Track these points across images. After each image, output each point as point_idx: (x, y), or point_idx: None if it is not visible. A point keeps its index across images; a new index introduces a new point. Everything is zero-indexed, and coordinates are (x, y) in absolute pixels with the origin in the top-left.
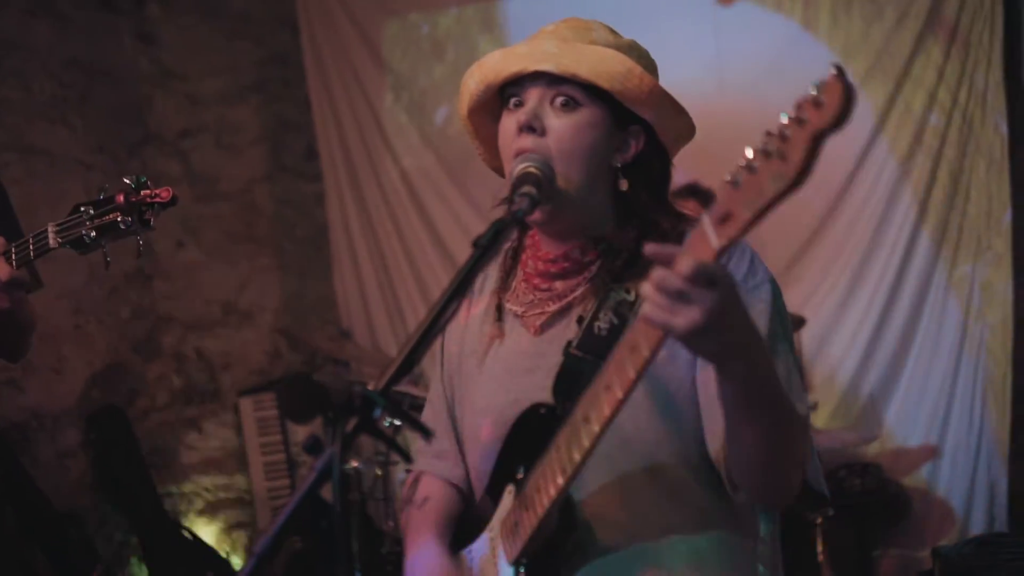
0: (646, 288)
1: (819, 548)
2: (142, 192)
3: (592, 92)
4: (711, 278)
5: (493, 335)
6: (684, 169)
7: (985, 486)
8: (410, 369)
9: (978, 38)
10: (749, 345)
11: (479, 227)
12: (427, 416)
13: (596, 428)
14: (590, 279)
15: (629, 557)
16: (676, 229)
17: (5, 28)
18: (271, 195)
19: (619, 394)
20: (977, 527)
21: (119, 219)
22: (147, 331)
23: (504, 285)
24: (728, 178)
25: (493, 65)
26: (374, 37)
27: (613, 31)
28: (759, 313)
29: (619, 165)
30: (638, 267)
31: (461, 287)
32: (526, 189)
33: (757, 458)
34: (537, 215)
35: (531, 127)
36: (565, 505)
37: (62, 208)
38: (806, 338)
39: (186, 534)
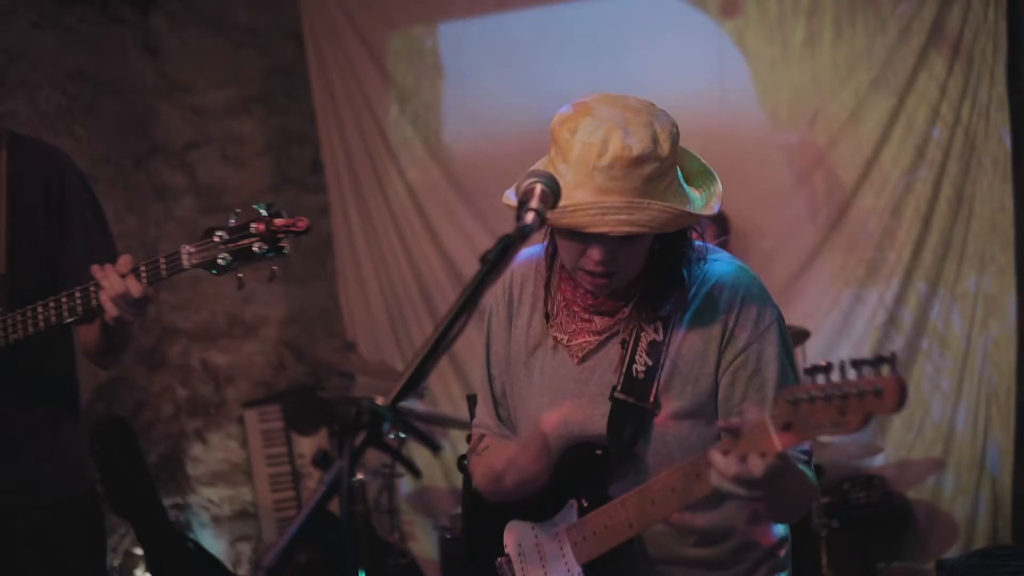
0: (719, 477)
1: (823, 561)
2: (278, 222)
3: None
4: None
5: (540, 341)
6: None
7: (989, 499)
8: (418, 384)
9: (981, 52)
10: (787, 494)
11: (484, 239)
12: (480, 408)
13: (659, 516)
14: (625, 319)
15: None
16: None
17: (11, 40)
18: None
19: (679, 505)
20: (981, 540)
21: (255, 245)
22: (152, 343)
23: (548, 297)
24: (791, 398)
25: (570, 221)
26: (378, 50)
27: (656, 141)
28: (771, 357)
29: (657, 247)
30: (671, 304)
31: (469, 303)
32: (534, 206)
33: (780, 519)
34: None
35: (610, 272)
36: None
37: None
38: (810, 351)
39: (191, 546)
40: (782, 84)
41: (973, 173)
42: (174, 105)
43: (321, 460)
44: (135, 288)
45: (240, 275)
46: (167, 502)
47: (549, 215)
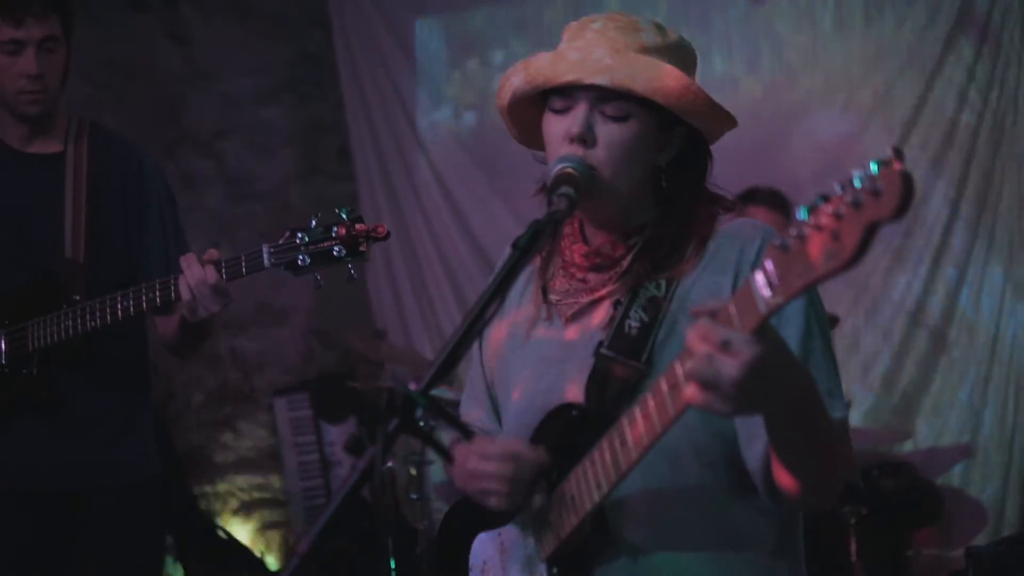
0: (690, 336)
1: (852, 548)
2: (358, 228)
3: (642, 101)
4: (758, 333)
5: (535, 317)
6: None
7: (1018, 485)
8: (450, 371)
9: (1009, 37)
10: (798, 401)
11: (513, 225)
12: (466, 401)
13: (634, 455)
14: (621, 274)
15: (657, 562)
16: (711, 215)
17: None
18: (304, 195)
19: (658, 429)
20: (1010, 526)
21: (334, 247)
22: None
23: (545, 268)
24: (777, 242)
25: (541, 68)
26: (406, 37)
27: (661, 28)
28: (795, 311)
29: (662, 165)
30: (676, 258)
31: (500, 288)
32: (565, 190)
33: (801, 478)
34: (577, 213)
35: (583, 139)
36: (598, 510)
37: None
38: (839, 337)
39: (221, 533)
40: (812, 70)
41: (1002, 158)
42: (202, 93)
43: (354, 446)
44: (211, 276)
45: (319, 276)
46: (196, 490)
47: (529, 87)
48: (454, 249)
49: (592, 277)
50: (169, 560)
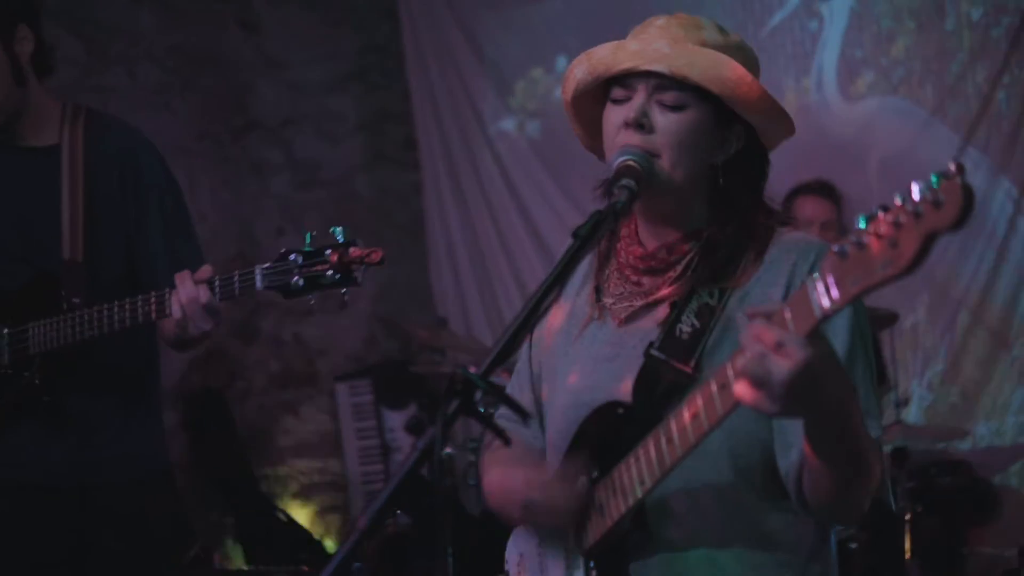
0: (745, 335)
1: (907, 545)
2: (353, 252)
3: (700, 93)
4: (811, 337)
5: (591, 316)
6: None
7: None
8: (508, 356)
9: None
10: (841, 409)
11: (575, 217)
12: (511, 388)
13: (679, 452)
14: (676, 279)
15: (692, 560)
16: (769, 227)
17: (110, 16)
18: (370, 183)
19: (705, 427)
20: None
21: (327, 271)
22: (246, 316)
23: (601, 269)
24: (836, 248)
25: (603, 58)
26: (474, 29)
27: (723, 30)
28: (839, 328)
29: (719, 163)
30: (732, 267)
31: (560, 277)
32: (625, 182)
33: (832, 489)
34: (636, 206)
35: (640, 124)
36: (639, 506)
37: None
38: (898, 334)
39: (280, 516)
40: (874, 68)
41: None
42: (271, 81)
43: (414, 427)
44: (204, 295)
45: (312, 300)
46: (257, 472)
47: (591, 77)
48: (516, 240)
49: (647, 280)
50: (229, 541)
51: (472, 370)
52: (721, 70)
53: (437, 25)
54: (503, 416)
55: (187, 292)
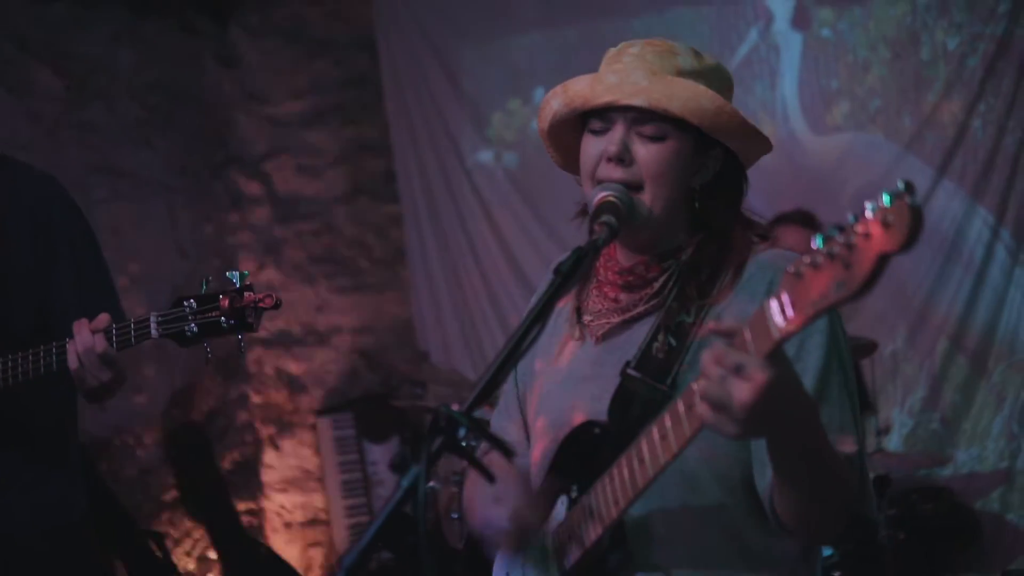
0: (705, 358)
1: (890, 572)
2: (246, 297)
3: (679, 123)
4: (770, 358)
5: (569, 337)
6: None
7: None
8: (492, 392)
9: None
10: (803, 428)
11: (553, 247)
12: (496, 422)
13: (650, 473)
14: (652, 296)
15: None
16: (748, 240)
17: (91, 52)
18: (350, 217)
19: (674, 448)
20: None
21: (221, 319)
22: (227, 351)
23: (582, 289)
24: (791, 269)
25: (580, 91)
26: (452, 62)
27: (698, 53)
28: (814, 345)
29: (697, 187)
30: (710, 286)
31: (542, 312)
32: (606, 218)
33: (799, 506)
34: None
35: (620, 159)
36: (617, 526)
37: (148, 228)
38: (878, 362)
39: (264, 551)
40: (850, 97)
41: None
42: (250, 115)
43: (399, 464)
44: (100, 344)
45: (207, 347)
46: (241, 507)
47: (568, 109)
48: (495, 270)
49: (624, 297)
50: None
51: (455, 407)
52: (700, 101)
53: (415, 58)
54: (506, 434)
55: (83, 341)
